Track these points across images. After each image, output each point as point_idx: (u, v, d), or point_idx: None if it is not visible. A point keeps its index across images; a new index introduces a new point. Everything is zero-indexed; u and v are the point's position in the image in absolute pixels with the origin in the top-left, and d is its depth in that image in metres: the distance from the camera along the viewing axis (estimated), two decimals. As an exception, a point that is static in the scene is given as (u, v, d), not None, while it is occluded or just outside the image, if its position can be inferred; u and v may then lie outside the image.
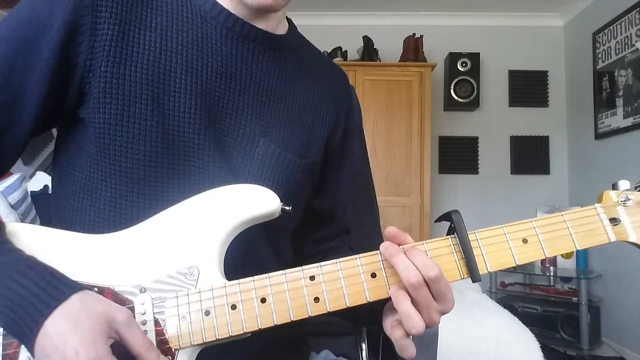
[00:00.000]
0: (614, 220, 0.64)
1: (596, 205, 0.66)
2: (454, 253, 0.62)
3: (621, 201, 0.65)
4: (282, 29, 0.78)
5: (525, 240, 0.63)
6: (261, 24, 0.73)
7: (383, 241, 0.62)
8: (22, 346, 0.54)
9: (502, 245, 0.62)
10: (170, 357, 0.57)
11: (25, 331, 0.50)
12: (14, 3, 0.66)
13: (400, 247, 0.61)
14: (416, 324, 0.57)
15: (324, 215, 0.87)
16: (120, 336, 0.52)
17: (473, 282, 0.62)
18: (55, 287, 0.52)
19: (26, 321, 0.50)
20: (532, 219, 0.64)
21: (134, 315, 0.57)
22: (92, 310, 0.51)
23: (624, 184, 0.66)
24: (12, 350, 0.54)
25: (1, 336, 0.55)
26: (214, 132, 0.69)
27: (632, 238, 0.64)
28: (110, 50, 0.64)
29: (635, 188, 0.66)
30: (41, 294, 0.51)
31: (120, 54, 0.64)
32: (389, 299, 0.61)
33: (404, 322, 0.58)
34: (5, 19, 0.64)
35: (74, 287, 0.53)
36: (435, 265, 0.58)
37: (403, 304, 0.58)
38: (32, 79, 0.62)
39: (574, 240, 0.63)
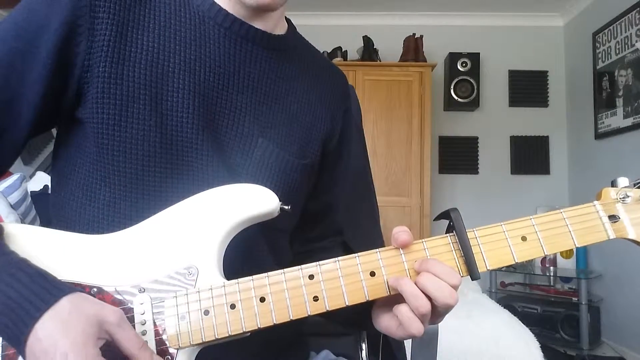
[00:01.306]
0: (613, 218, 0.64)
1: (595, 202, 0.66)
2: (453, 251, 0.62)
3: (620, 198, 0.65)
4: (280, 29, 0.78)
5: (524, 238, 0.63)
6: (259, 24, 0.73)
7: (382, 241, 0.62)
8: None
9: (501, 243, 0.62)
10: (169, 357, 0.57)
11: (17, 334, 0.50)
12: (14, 3, 0.66)
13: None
14: (423, 302, 0.57)
15: (316, 215, 0.87)
16: (111, 337, 0.52)
17: (472, 279, 0.62)
18: (45, 290, 0.51)
19: (17, 324, 0.50)
20: (530, 217, 0.64)
21: (133, 316, 0.57)
22: (83, 312, 0.51)
23: (622, 181, 0.66)
24: (12, 351, 0.54)
25: (1, 337, 0.55)
26: (212, 131, 0.69)
27: (631, 235, 0.64)
28: (108, 50, 0.64)
29: (634, 185, 0.65)
30: (31, 297, 0.50)
31: (119, 54, 0.64)
32: (386, 297, 0.61)
33: (410, 302, 0.58)
34: (4, 20, 0.64)
35: (65, 290, 0.52)
36: (454, 293, 0.58)
37: (407, 285, 0.58)
38: (30, 79, 0.62)
39: (573, 238, 0.63)
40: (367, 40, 3.87)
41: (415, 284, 0.58)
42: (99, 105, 0.64)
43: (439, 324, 1.03)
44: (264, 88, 0.74)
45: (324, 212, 0.88)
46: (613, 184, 0.66)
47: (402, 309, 0.59)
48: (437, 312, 0.59)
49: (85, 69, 0.64)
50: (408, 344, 1.11)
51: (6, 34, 0.63)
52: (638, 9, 3.14)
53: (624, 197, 0.64)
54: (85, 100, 0.64)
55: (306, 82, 0.80)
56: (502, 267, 0.62)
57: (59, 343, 0.48)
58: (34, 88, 0.63)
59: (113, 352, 0.52)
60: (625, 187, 0.65)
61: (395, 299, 0.61)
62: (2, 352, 0.54)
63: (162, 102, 0.66)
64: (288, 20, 0.82)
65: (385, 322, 0.65)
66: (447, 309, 0.59)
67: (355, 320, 0.72)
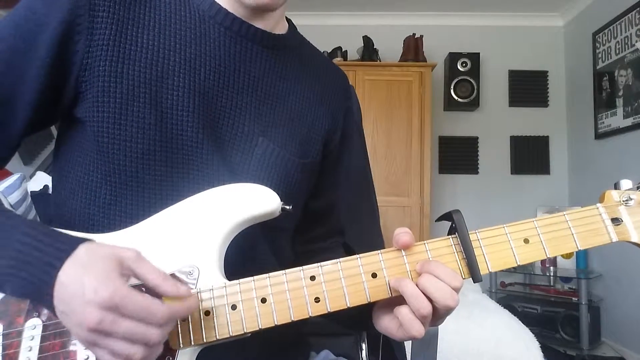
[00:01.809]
0: (615, 220, 0.64)
1: (598, 205, 0.65)
2: (455, 253, 0.62)
3: (623, 201, 0.64)
4: (281, 29, 0.78)
5: (526, 240, 0.63)
6: (259, 24, 0.73)
7: (382, 241, 0.62)
8: (22, 346, 0.54)
9: (504, 245, 0.62)
10: (170, 358, 0.56)
11: (42, 287, 0.51)
12: (13, 3, 0.66)
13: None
14: (424, 304, 0.57)
15: (317, 215, 0.87)
16: (133, 272, 0.53)
17: (474, 282, 0.61)
18: (61, 242, 0.53)
19: (40, 277, 0.51)
20: (533, 219, 0.64)
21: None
22: (100, 253, 0.52)
23: (626, 184, 0.65)
24: (12, 350, 0.54)
25: (1, 336, 0.55)
26: (213, 130, 0.69)
27: (634, 238, 0.64)
28: (107, 49, 0.64)
29: (638, 188, 0.65)
30: (49, 250, 0.52)
31: (118, 53, 0.64)
32: (387, 299, 0.61)
33: (411, 304, 0.58)
34: (3, 18, 0.65)
35: (79, 239, 0.54)
36: (455, 294, 0.58)
37: (408, 287, 0.58)
38: (28, 77, 0.63)
39: (575, 241, 0.63)
40: (367, 40, 3.87)
41: (417, 285, 0.58)
42: (98, 104, 0.64)
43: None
44: (264, 87, 0.74)
45: (325, 212, 0.88)
46: (616, 186, 0.66)
47: (402, 311, 0.59)
48: (437, 314, 0.59)
49: (83, 67, 0.64)
50: (408, 344, 1.11)
51: (5, 31, 0.63)
52: (638, 9, 3.14)
53: (627, 200, 0.64)
54: (84, 99, 0.64)
55: (307, 82, 0.80)
56: (504, 268, 0.62)
57: (85, 282, 0.49)
58: (32, 86, 0.63)
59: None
60: (629, 189, 0.65)
61: (396, 300, 0.60)
62: (2, 351, 0.54)
63: (162, 101, 0.66)
64: (288, 20, 0.82)
65: (385, 323, 0.65)
66: (448, 310, 0.59)
67: (355, 321, 0.72)
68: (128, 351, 0.49)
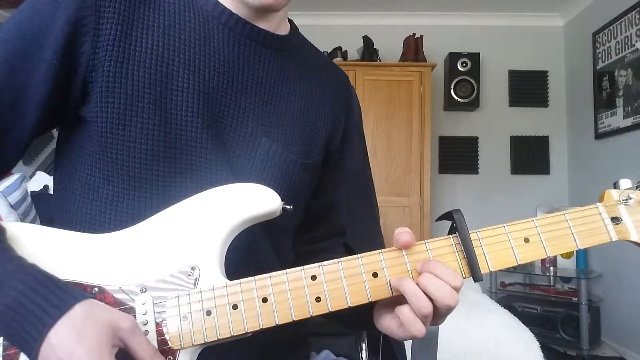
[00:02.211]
0: (615, 220, 0.64)
1: (598, 204, 0.65)
2: (456, 252, 0.62)
3: (623, 200, 0.64)
4: (283, 30, 0.78)
5: (527, 240, 0.63)
6: (263, 24, 0.73)
7: (383, 241, 0.63)
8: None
9: (504, 245, 0.62)
10: (171, 358, 0.57)
11: (29, 342, 0.50)
12: (16, 3, 0.66)
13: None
14: (425, 304, 0.57)
15: (318, 215, 0.87)
16: (125, 344, 0.52)
17: (475, 281, 0.62)
18: (58, 297, 0.51)
19: (29, 332, 0.49)
20: (533, 218, 0.64)
21: (135, 315, 0.57)
22: (96, 319, 0.51)
23: (625, 183, 0.65)
24: (13, 350, 0.54)
25: (1, 337, 0.55)
26: (216, 131, 0.69)
27: (634, 237, 0.64)
28: (113, 49, 0.64)
29: (637, 187, 0.65)
30: (44, 305, 0.50)
31: (123, 54, 0.64)
32: (388, 298, 0.61)
33: (412, 303, 0.58)
34: (8, 20, 0.64)
35: (77, 296, 0.52)
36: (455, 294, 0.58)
37: (409, 286, 0.58)
38: (35, 79, 0.62)
39: (575, 240, 0.63)
40: (367, 40, 3.87)
41: (417, 284, 0.58)
42: (103, 104, 0.64)
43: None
44: (267, 88, 0.74)
45: (327, 212, 0.88)
46: (615, 185, 0.66)
47: (403, 310, 0.59)
48: (438, 313, 0.59)
49: (90, 68, 0.64)
50: (408, 344, 1.11)
51: (11, 33, 0.63)
52: (638, 9, 3.14)
53: (626, 199, 0.64)
54: (90, 99, 0.64)
55: (309, 82, 0.80)
56: (504, 268, 0.62)
57: (75, 351, 0.48)
58: (39, 88, 0.62)
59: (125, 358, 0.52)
60: (628, 188, 0.65)
61: (397, 299, 0.60)
62: (3, 351, 0.54)
63: (166, 101, 0.66)
64: (290, 21, 0.82)
65: (386, 323, 0.65)
66: (448, 310, 0.59)
67: (357, 320, 0.72)
68: None
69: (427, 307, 0.57)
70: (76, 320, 0.50)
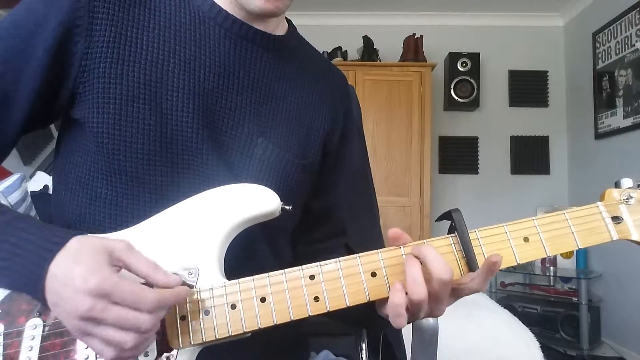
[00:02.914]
0: (616, 219, 0.64)
1: (598, 203, 0.65)
2: (455, 252, 0.62)
3: (624, 199, 0.64)
4: (281, 30, 0.78)
5: (526, 239, 0.63)
6: (259, 25, 0.73)
7: (383, 241, 0.62)
8: (23, 345, 0.55)
9: (504, 244, 0.62)
10: (170, 357, 0.56)
11: (35, 280, 0.52)
12: (13, 3, 0.66)
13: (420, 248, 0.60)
14: (420, 289, 0.57)
15: (319, 216, 0.87)
16: (123, 262, 0.53)
17: (474, 280, 0.61)
18: (53, 235, 0.54)
19: (33, 270, 0.52)
20: (533, 218, 0.64)
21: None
22: (91, 245, 0.53)
23: (626, 182, 0.65)
24: (13, 350, 0.54)
25: (1, 336, 0.55)
26: (212, 131, 0.69)
27: (635, 236, 0.64)
28: (107, 50, 0.64)
29: (638, 186, 0.65)
30: (42, 243, 0.53)
31: (118, 54, 0.65)
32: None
33: (409, 285, 0.57)
34: (3, 19, 0.65)
35: (71, 233, 0.55)
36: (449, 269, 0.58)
37: (413, 267, 0.58)
38: (26, 77, 0.63)
39: (575, 239, 0.63)
40: (367, 40, 3.87)
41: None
42: (99, 105, 0.64)
43: (439, 324, 1.03)
44: (263, 88, 0.74)
45: (327, 212, 0.88)
46: (617, 184, 0.66)
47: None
48: (434, 295, 0.59)
49: (82, 69, 0.64)
50: (408, 344, 1.11)
51: (5, 31, 0.63)
52: (638, 9, 3.14)
53: (627, 198, 0.64)
54: (82, 100, 0.64)
55: (306, 82, 0.80)
56: (503, 268, 0.62)
57: (75, 271, 0.50)
58: (29, 85, 0.63)
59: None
60: (629, 188, 0.65)
61: None
62: (3, 351, 0.54)
63: (161, 102, 0.66)
64: (288, 21, 0.82)
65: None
66: (443, 286, 0.58)
67: (357, 318, 0.72)
68: (120, 338, 0.49)
69: (421, 294, 0.57)
70: (73, 250, 0.52)
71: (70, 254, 0.52)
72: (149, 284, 0.53)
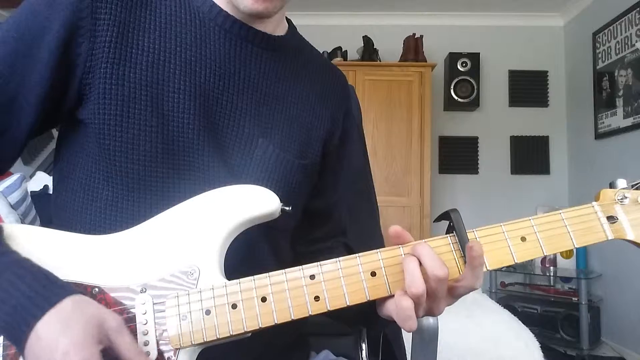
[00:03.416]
0: (611, 219, 0.65)
1: (594, 203, 0.66)
2: (453, 251, 0.62)
3: (618, 199, 0.65)
4: (281, 30, 0.78)
5: (523, 239, 0.63)
6: (259, 26, 0.73)
7: (382, 241, 0.63)
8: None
9: (501, 244, 0.63)
10: (170, 357, 0.57)
11: (18, 333, 0.50)
12: (15, 3, 0.66)
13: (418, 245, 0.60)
14: (418, 282, 0.57)
15: (319, 216, 0.87)
16: (110, 341, 0.52)
17: (472, 279, 0.62)
18: (49, 290, 0.52)
19: (19, 323, 0.50)
20: (530, 217, 0.64)
21: (135, 316, 0.57)
22: (84, 313, 0.51)
23: (621, 183, 0.66)
24: (12, 350, 0.54)
25: (2, 336, 0.55)
26: (213, 132, 0.69)
27: (630, 236, 0.64)
28: (109, 51, 0.64)
29: (633, 186, 0.66)
30: (35, 297, 0.51)
31: (119, 56, 0.65)
32: (389, 297, 0.61)
33: (407, 280, 0.58)
34: (6, 21, 0.65)
35: (68, 290, 0.53)
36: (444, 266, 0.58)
37: (410, 263, 0.58)
38: (32, 80, 0.63)
39: (572, 238, 0.64)
40: (367, 40, 3.87)
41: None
42: (100, 106, 0.64)
43: (439, 324, 1.03)
44: (264, 89, 0.74)
45: (327, 213, 0.88)
46: (611, 185, 0.67)
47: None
48: (432, 295, 0.59)
49: (86, 70, 0.64)
50: (408, 344, 1.11)
51: (8, 35, 0.63)
52: (638, 9, 3.14)
53: (622, 198, 0.65)
54: (87, 101, 0.65)
55: (306, 83, 0.81)
56: (502, 268, 0.62)
57: (60, 341, 0.48)
58: (35, 89, 0.63)
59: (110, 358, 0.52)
60: (624, 188, 0.66)
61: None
62: (3, 351, 0.54)
63: (162, 103, 0.66)
64: (289, 21, 0.82)
65: (389, 307, 0.64)
66: (439, 283, 0.58)
67: (359, 317, 0.72)
68: None
69: (419, 287, 0.57)
70: (65, 313, 0.50)
71: (61, 317, 0.50)
72: None
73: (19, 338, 0.50)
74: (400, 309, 0.58)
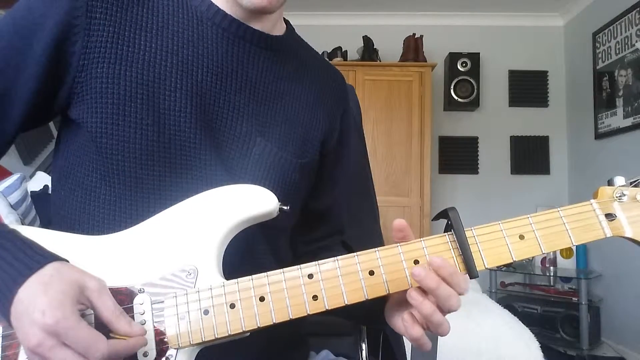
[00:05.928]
0: (609, 216, 0.65)
1: (592, 200, 0.66)
2: (452, 250, 0.62)
3: (616, 197, 0.65)
4: (279, 30, 0.78)
5: (521, 237, 0.63)
6: (257, 25, 0.73)
7: (382, 241, 0.63)
8: (22, 347, 0.55)
9: (499, 242, 0.63)
10: (169, 357, 0.57)
11: (2, 301, 0.51)
12: (12, 2, 0.67)
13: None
14: (444, 326, 0.60)
15: (318, 215, 0.87)
16: (90, 303, 0.53)
17: (470, 278, 0.62)
18: (30, 258, 0.53)
19: (2, 291, 0.51)
20: (528, 215, 0.64)
21: (133, 315, 0.57)
22: (64, 276, 0.52)
23: (619, 180, 0.66)
24: (12, 351, 0.54)
25: (1, 337, 0.55)
26: (210, 131, 0.69)
27: (628, 233, 0.64)
28: (105, 50, 0.64)
29: (631, 184, 0.66)
30: (17, 265, 0.52)
31: (115, 55, 0.65)
32: (387, 296, 0.61)
33: (430, 325, 0.60)
34: (2, 18, 0.65)
35: (50, 257, 0.54)
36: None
37: (425, 306, 0.59)
38: (24, 76, 0.63)
39: (570, 236, 0.64)
40: (367, 40, 3.87)
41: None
42: (96, 105, 0.64)
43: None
44: (261, 88, 0.74)
45: (325, 212, 0.88)
46: (610, 182, 0.67)
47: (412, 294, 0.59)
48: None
49: (80, 68, 0.64)
50: (408, 344, 1.11)
51: (4, 30, 0.64)
52: (638, 9, 3.14)
53: (620, 196, 0.65)
54: (80, 100, 0.65)
55: (304, 83, 0.80)
56: (502, 266, 0.62)
57: (37, 301, 0.49)
58: (27, 84, 0.63)
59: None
60: (622, 185, 0.66)
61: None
62: (2, 352, 0.54)
63: (159, 102, 0.66)
64: (286, 21, 0.82)
65: (397, 323, 0.66)
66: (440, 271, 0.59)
67: (369, 317, 0.73)
68: None
69: (430, 307, 0.59)
70: (45, 277, 0.51)
71: (42, 280, 0.51)
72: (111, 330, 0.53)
73: (3, 306, 0.51)
74: (413, 340, 0.62)
